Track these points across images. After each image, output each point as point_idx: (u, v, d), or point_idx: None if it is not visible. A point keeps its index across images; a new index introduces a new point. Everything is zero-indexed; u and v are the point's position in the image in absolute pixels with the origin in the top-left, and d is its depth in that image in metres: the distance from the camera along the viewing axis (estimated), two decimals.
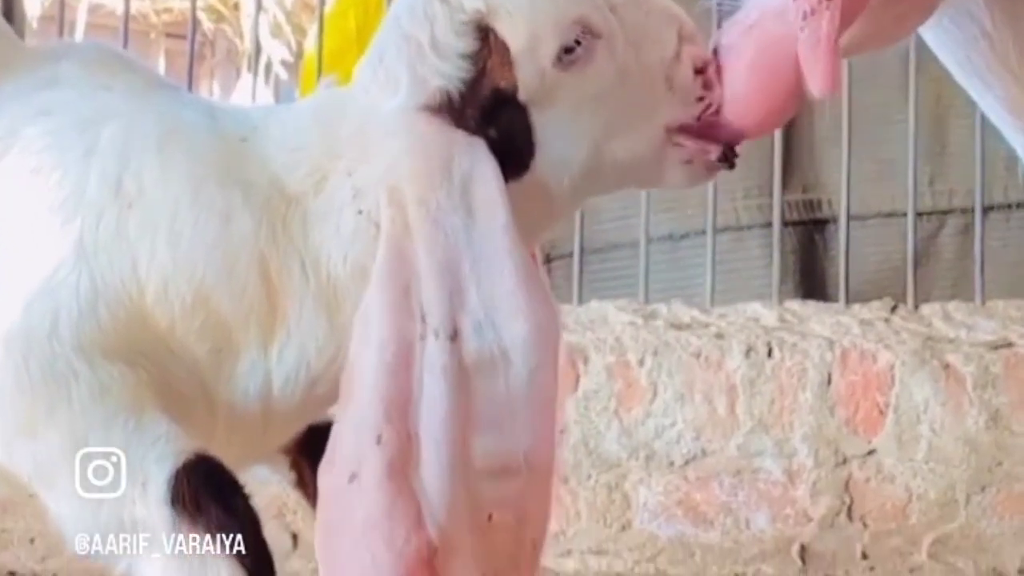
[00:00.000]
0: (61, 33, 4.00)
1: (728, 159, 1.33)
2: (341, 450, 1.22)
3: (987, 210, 3.04)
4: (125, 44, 3.37)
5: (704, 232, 3.09)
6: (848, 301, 2.93)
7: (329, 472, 1.22)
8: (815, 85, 1.26)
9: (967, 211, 3.11)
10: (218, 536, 1.23)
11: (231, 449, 1.33)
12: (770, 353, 2.85)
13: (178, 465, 1.25)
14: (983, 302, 2.88)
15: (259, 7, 4.33)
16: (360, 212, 1.29)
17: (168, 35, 7.60)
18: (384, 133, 1.29)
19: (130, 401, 1.27)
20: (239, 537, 1.24)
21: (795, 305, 2.95)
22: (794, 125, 3.21)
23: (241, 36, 7.47)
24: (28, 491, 1.33)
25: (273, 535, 1.30)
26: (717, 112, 1.31)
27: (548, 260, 3.21)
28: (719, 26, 1.36)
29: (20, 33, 3.64)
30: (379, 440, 1.19)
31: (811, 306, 2.94)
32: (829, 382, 2.81)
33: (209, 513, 1.24)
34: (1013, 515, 2.74)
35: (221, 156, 1.33)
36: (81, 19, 6.67)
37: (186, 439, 1.27)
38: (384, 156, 1.28)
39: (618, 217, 3.19)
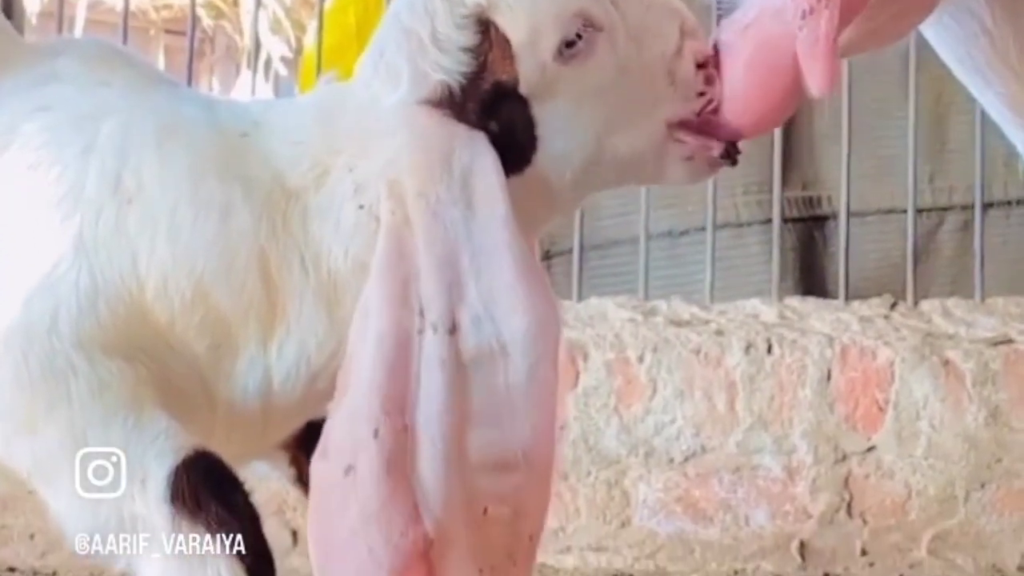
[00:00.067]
0: (60, 29, 4.00)
1: (730, 155, 1.32)
2: (336, 441, 1.22)
3: (987, 207, 3.04)
4: (124, 40, 3.37)
5: (704, 228, 3.08)
6: (848, 298, 2.93)
7: (323, 462, 1.22)
8: (814, 84, 1.26)
9: (967, 208, 3.11)
10: (218, 533, 1.23)
11: (231, 445, 1.33)
12: (770, 350, 2.85)
13: (177, 462, 1.25)
14: (983, 299, 2.88)
15: (258, 3, 4.32)
16: (361, 207, 1.29)
17: (167, 31, 7.60)
18: (385, 127, 1.29)
19: (129, 398, 1.27)
20: (239, 534, 1.24)
21: (795, 302, 2.95)
22: (794, 122, 3.21)
23: (241, 32, 7.47)
24: (27, 487, 1.33)
25: (273, 532, 1.30)
26: (716, 109, 1.31)
27: (548, 256, 3.21)
28: (718, 24, 1.35)
29: (19, 29, 3.63)
30: (376, 433, 1.19)
31: (811, 303, 2.94)
32: (829, 379, 2.81)
33: (209, 510, 1.24)
34: (1012, 511, 2.74)
35: (221, 151, 1.33)
36: (80, 15, 6.66)
37: (185, 435, 1.27)
38: (385, 150, 1.28)
39: (618, 213, 3.19)
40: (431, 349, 1.21)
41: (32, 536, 2.98)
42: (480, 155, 1.26)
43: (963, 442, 2.75)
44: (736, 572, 2.79)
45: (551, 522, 2.79)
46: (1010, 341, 2.78)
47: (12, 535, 3.02)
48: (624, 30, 1.29)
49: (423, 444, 1.21)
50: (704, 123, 1.31)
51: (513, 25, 1.28)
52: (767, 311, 2.91)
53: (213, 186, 1.31)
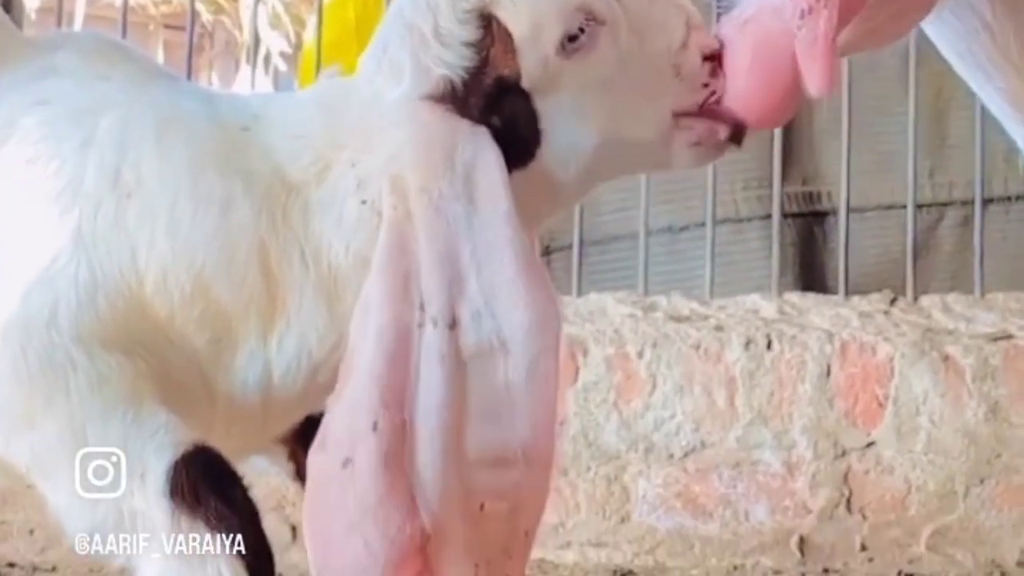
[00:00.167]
0: (60, 25, 3.99)
1: (737, 137, 1.32)
2: (334, 434, 1.22)
3: (987, 202, 3.04)
4: (124, 36, 3.36)
5: (703, 224, 3.08)
6: (847, 293, 2.93)
7: (321, 454, 1.22)
8: (813, 84, 1.26)
9: (967, 203, 3.11)
10: (217, 528, 1.23)
11: (230, 439, 1.32)
12: (769, 345, 2.84)
13: (177, 456, 1.25)
14: (982, 294, 2.88)
15: None
16: (363, 202, 1.29)
17: (167, 26, 7.60)
18: (387, 122, 1.29)
19: (128, 392, 1.27)
20: (238, 529, 1.24)
21: (794, 297, 2.95)
22: (794, 117, 3.19)
23: (240, 27, 7.47)
24: (27, 482, 1.32)
25: (272, 527, 1.30)
26: (719, 100, 1.31)
27: (547, 252, 3.21)
28: (718, 21, 1.35)
29: (18, 24, 3.63)
30: (375, 426, 1.19)
31: (810, 298, 2.94)
32: (828, 374, 2.81)
33: (208, 504, 1.23)
34: (1012, 507, 2.74)
35: (221, 145, 1.33)
36: (79, 11, 6.66)
37: (185, 430, 1.27)
38: (387, 145, 1.28)
39: (617, 209, 3.19)
40: (431, 344, 1.21)
41: (31, 531, 2.98)
42: (483, 150, 1.26)
43: (963, 438, 2.75)
44: (735, 567, 2.79)
45: (551, 518, 2.79)
46: (1010, 337, 2.78)
47: (11, 531, 3.01)
48: (627, 24, 1.29)
49: (421, 439, 1.21)
50: (708, 111, 1.31)
51: (515, 19, 1.28)
52: (767, 306, 2.91)
53: (213, 180, 1.31)
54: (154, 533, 1.24)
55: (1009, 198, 3.14)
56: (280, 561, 1.28)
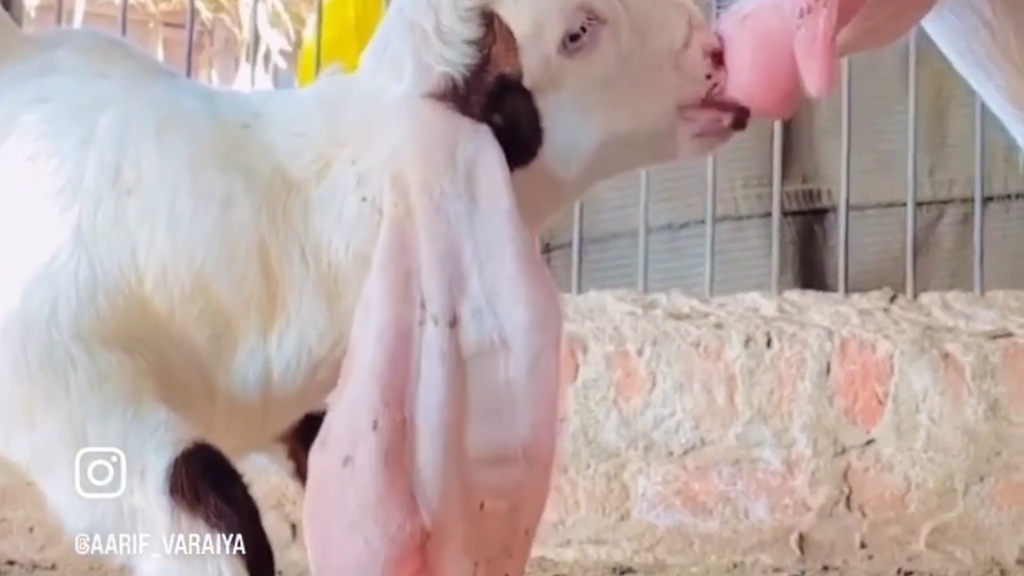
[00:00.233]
0: (59, 22, 4.00)
1: (741, 122, 1.32)
2: (335, 432, 1.22)
3: (986, 200, 3.05)
4: (123, 33, 3.36)
5: (703, 222, 3.08)
6: (847, 291, 2.93)
7: (322, 453, 1.22)
8: (811, 84, 1.26)
9: (967, 201, 3.11)
10: (216, 525, 1.23)
11: (230, 437, 1.32)
12: (769, 343, 2.84)
13: (177, 454, 1.25)
14: (982, 292, 2.88)
15: None
16: (364, 199, 1.29)
17: (166, 24, 7.60)
18: (388, 120, 1.29)
19: (129, 390, 1.27)
20: (237, 527, 1.23)
21: (794, 295, 2.95)
22: (794, 115, 3.20)
23: (240, 25, 7.46)
24: (26, 480, 1.32)
25: (272, 525, 1.30)
26: (722, 92, 1.31)
27: (547, 250, 3.21)
28: (717, 17, 1.35)
29: (18, 22, 3.62)
30: (375, 425, 1.19)
31: (810, 296, 2.94)
32: (828, 372, 2.81)
33: (208, 502, 1.23)
34: (1011, 505, 2.74)
35: (221, 142, 1.33)
36: (79, 8, 6.66)
37: (185, 428, 1.27)
38: (388, 143, 1.28)
39: (617, 206, 3.19)
40: (431, 342, 1.21)
41: (31, 529, 2.98)
42: (484, 148, 1.26)
43: (962, 435, 2.76)
44: (735, 565, 2.79)
45: (551, 515, 2.79)
46: (1009, 334, 2.78)
47: (11, 528, 3.02)
48: (628, 23, 1.29)
49: (422, 437, 1.21)
50: (711, 102, 1.31)
51: (517, 18, 1.28)
52: (766, 304, 2.91)
53: (214, 177, 1.31)
54: (154, 531, 1.24)
55: (1009, 196, 3.14)
56: (280, 559, 1.28)
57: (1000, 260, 3.00)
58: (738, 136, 1.35)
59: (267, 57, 6.59)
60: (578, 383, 2.88)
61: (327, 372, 1.30)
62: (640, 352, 2.89)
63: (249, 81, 3.94)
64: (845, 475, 2.79)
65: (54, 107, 1.35)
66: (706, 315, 2.91)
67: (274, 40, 6.86)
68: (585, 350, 2.90)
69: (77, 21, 6.37)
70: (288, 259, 1.30)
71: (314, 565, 1.22)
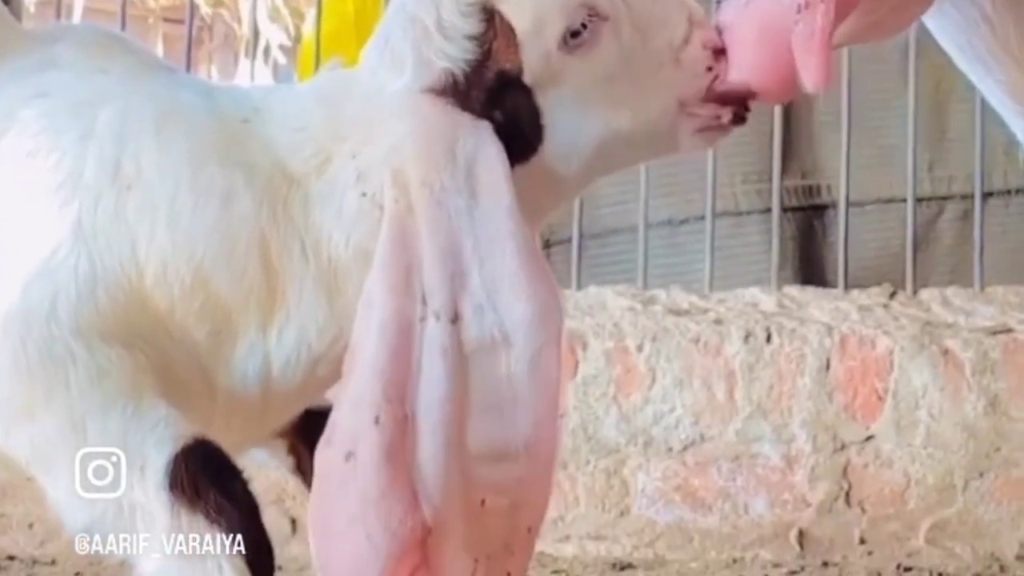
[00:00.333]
0: (59, 17, 4.00)
1: (740, 117, 1.32)
2: (339, 428, 1.22)
3: (986, 196, 3.04)
4: (123, 28, 3.36)
5: (703, 217, 3.08)
6: (847, 287, 2.93)
7: (327, 449, 1.22)
8: (808, 80, 1.26)
9: (966, 197, 3.11)
10: (216, 521, 1.23)
11: (230, 432, 1.32)
12: (769, 339, 2.84)
13: (176, 450, 1.25)
14: (982, 288, 2.88)
15: None
16: (364, 194, 1.29)
17: (166, 20, 7.59)
18: (389, 115, 1.29)
19: (128, 385, 1.27)
20: (237, 522, 1.23)
21: (794, 291, 2.95)
22: (793, 111, 3.20)
23: (239, 20, 7.45)
24: (26, 475, 1.32)
25: (272, 520, 1.30)
26: (723, 80, 1.31)
27: (547, 245, 3.21)
28: (717, 9, 1.35)
29: (17, 17, 3.62)
30: (377, 420, 1.20)
31: (810, 292, 2.94)
32: (828, 368, 2.81)
33: (208, 498, 1.23)
34: (1011, 500, 2.74)
35: (221, 137, 1.33)
36: (78, 4, 6.65)
37: (185, 423, 1.27)
38: (388, 138, 1.28)
39: (617, 202, 3.19)
40: (433, 337, 1.21)
41: (31, 525, 2.98)
42: (484, 144, 1.26)
43: (962, 431, 2.76)
44: (735, 560, 2.80)
45: (550, 511, 2.78)
46: (1009, 330, 2.78)
47: (11, 523, 3.01)
48: (629, 20, 1.30)
49: (423, 432, 1.21)
50: (712, 95, 1.31)
51: (518, 14, 1.28)
52: (766, 300, 2.91)
53: (214, 172, 1.31)
54: (153, 527, 1.24)
55: (1009, 192, 3.14)
56: (280, 554, 1.28)
57: (1000, 256, 3.00)
58: (738, 132, 1.35)
59: (267, 52, 6.58)
60: (578, 379, 2.88)
61: (327, 367, 1.30)
62: (640, 348, 2.89)
63: (249, 76, 3.93)
64: (845, 471, 2.79)
65: (53, 102, 1.35)
66: (706, 311, 2.91)
67: (273, 35, 6.85)
68: (585, 346, 2.90)
69: (76, 16, 6.36)
70: (288, 254, 1.30)
71: (316, 559, 1.22)
